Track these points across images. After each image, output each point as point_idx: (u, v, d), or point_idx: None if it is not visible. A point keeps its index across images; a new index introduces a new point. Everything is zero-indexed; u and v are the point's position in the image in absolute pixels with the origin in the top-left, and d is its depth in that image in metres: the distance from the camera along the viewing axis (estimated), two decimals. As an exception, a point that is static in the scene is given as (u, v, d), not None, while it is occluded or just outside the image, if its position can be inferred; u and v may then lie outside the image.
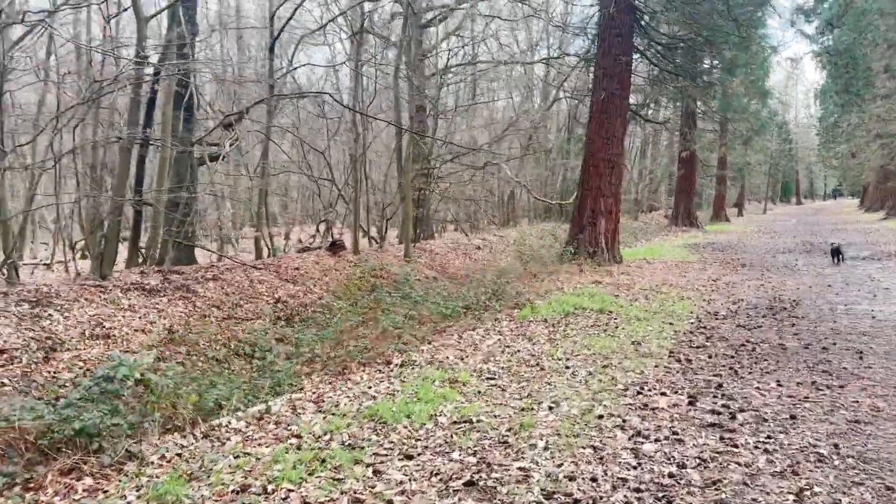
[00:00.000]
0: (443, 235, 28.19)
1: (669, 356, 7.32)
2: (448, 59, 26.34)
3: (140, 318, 9.05)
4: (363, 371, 6.94)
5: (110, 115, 12.53)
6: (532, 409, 5.41)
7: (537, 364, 6.95)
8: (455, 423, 5.04)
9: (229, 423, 5.04)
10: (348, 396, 5.92)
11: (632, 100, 20.50)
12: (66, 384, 6.96)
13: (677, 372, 6.64)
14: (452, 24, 26.10)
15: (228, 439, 4.76)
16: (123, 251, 13.24)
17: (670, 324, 9.10)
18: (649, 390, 5.99)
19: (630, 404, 5.56)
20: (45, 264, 13.60)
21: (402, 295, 11.63)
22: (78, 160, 11.26)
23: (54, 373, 7.05)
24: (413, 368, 6.86)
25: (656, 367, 6.85)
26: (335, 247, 15.24)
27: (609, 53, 16.58)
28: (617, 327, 8.86)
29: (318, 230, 19.36)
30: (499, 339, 8.30)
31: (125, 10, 12.06)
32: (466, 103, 28.22)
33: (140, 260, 13.19)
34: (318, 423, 5.04)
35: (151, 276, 11.33)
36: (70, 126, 9.96)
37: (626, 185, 34.16)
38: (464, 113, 29.27)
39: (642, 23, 17.71)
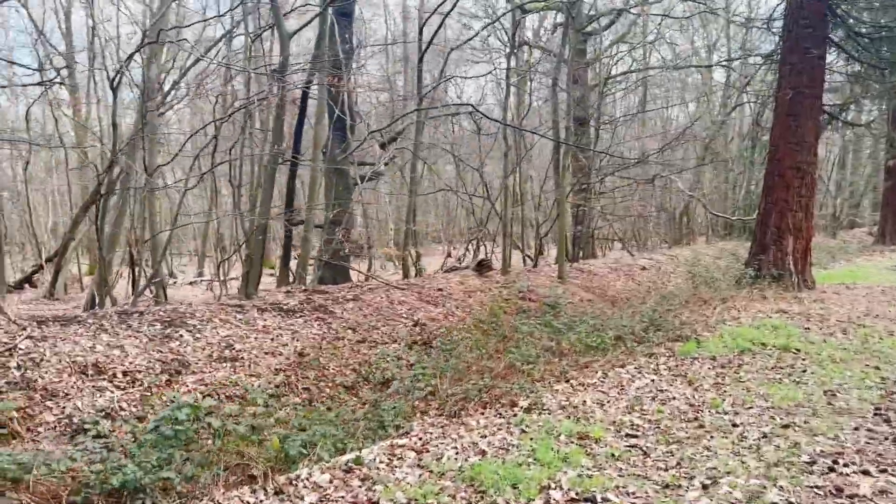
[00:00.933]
0: (606, 254, 26.52)
1: (875, 415, 5.63)
2: (612, 66, 24.85)
3: (272, 339, 8.87)
4: (483, 413, 6.03)
5: (262, 135, 12.85)
6: (679, 485, 4.18)
7: (695, 418, 5.61)
8: (573, 500, 3.96)
9: (310, 475, 4.37)
10: (456, 447, 5.04)
11: (826, 100, 17.75)
12: (183, 409, 6.80)
13: (887, 439, 5.00)
14: (619, 29, 24.64)
15: (302, 498, 4.08)
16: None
17: (876, 368, 7.23)
18: (845, 466, 4.48)
19: (817, 487, 4.14)
20: (190, 283, 14.24)
21: (542, 321, 10.56)
22: (223, 179, 11.55)
23: (173, 397, 6.90)
24: (540, 414, 5.83)
25: (856, 430, 5.24)
26: (482, 266, 14.51)
27: (797, 48, 14.35)
28: (805, 371, 7.16)
29: (467, 249, 18.79)
30: (651, 381, 7.00)
31: (269, 27, 12.27)
32: (633, 112, 26.42)
33: (290, 279, 13.34)
34: (407, 485, 4.21)
35: (296, 295, 11.30)
36: (215, 146, 10.18)
37: (820, 198, 30.15)
38: (630, 123, 27.49)
39: (838, 11, 15.20)
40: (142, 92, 8.88)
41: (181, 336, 8.02)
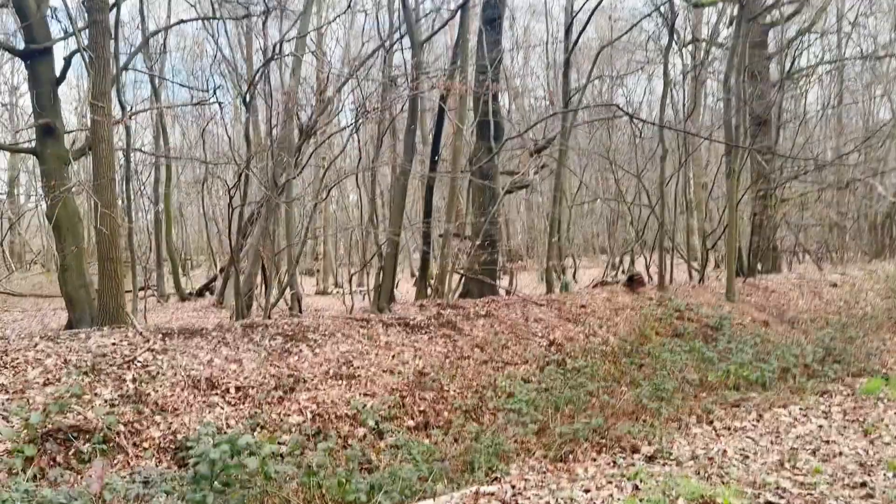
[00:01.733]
0: (792, 269, 23.56)
1: None
2: (797, 59, 22.13)
3: (393, 357, 8.57)
4: (595, 459, 5.18)
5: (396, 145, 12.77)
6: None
7: (863, 483, 4.36)
8: None
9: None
10: (550, 502, 4.29)
11: None
12: (292, 429, 6.65)
13: None
14: (806, 18, 21.91)
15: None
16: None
17: None
18: None
19: None
20: (320, 292, 14.41)
21: (690, 347, 9.28)
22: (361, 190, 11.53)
23: (283, 414, 6.79)
24: (665, 465, 4.87)
25: None
26: (633, 281, 13.31)
27: None
28: None
29: (620, 262, 17.48)
30: (817, 428, 5.69)
31: (401, 36, 12.13)
32: (822, 109, 23.36)
33: (428, 293, 13.10)
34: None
35: (428, 309, 10.99)
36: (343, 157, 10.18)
37: None
38: (823, 121, 24.36)
39: None
40: (268, 106, 9.10)
41: (300, 351, 7.96)
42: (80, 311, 13.50)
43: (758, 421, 5.96)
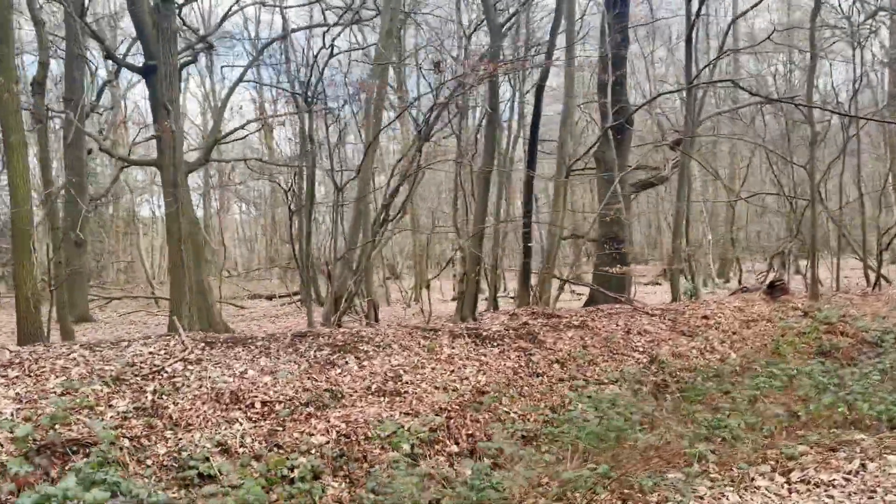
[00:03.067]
0: None
1: None
2: None
3: (452, 371, 7.73)
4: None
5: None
6: None
7: None
8: None
9: None
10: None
11: None
12: (312, 451, 6.05)
13: None
14: None
15: None
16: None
17: None
18: None
19: None
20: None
21: (799, 371, 7.41)
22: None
23: (307, 433, 6.21)
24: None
25: None
26: (775, 289, 11.27)
27: None
28: None
29: (770, 265, 15.10)
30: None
31: (480, 23, 11.18)
32: None
33: (530, 300, 12.05)
34: None
35: (519, 318, 10.01)
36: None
37: None
38: None
39: None
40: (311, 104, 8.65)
41: (346, 363, 7.38)
42: (198, 318, 14.04)
43: (856, 474, 4.37)
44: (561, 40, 11.55)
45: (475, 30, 11.66)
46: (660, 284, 21.02)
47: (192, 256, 13.87)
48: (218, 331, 13.11)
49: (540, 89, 11.25)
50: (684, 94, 16.29)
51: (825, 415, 5.52)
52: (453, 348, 8.22)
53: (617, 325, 9.77)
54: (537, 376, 8.01)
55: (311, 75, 9.37)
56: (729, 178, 25.23)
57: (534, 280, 11.84)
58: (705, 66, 13.74)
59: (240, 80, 13.67)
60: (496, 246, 12.16)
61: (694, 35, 11.81)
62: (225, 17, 13.77)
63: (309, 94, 8.55)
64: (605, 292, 11.43)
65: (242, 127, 13.13)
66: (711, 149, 21.83)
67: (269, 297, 23.82)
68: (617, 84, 15.32)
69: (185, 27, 13.83)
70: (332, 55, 9.78)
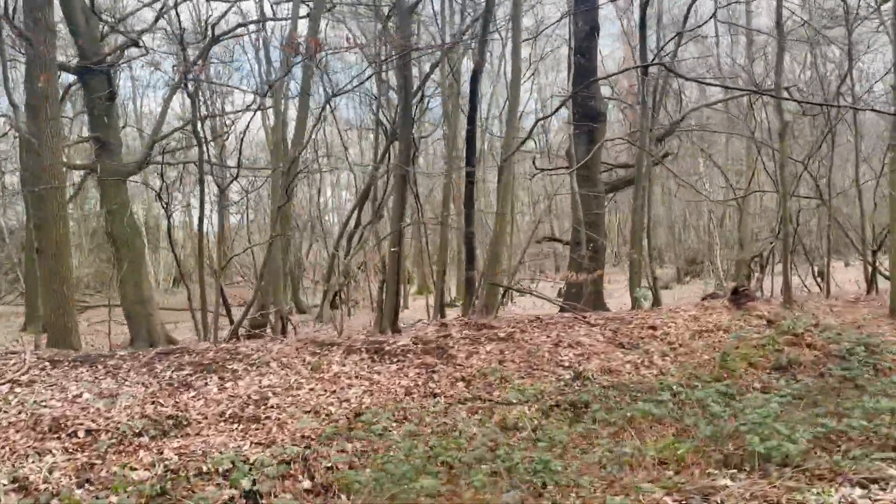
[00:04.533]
0: None
1: None
2: None
3: (334, 392, 6.90)
4: None
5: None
6: None
7: None
8: None
9: None
10: None
11: None
12: (129, 488, 5.27)
13: None
14: None
15: None
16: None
17: None
18: None
19: None
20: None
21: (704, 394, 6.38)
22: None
23: (129, 468, 5.43)
24: None
25: None
26: (738, 295, 10.19)
27: None
28: None
29: (750, 268, 13.93)
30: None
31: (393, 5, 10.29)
32: None
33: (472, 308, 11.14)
34: None
35: (449, 328, 9.14)
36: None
37: None
38: None
39: None
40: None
41: (205, 385, 6.60)
42: (136, 328, 13.41)
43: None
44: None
45: (390, 16, 10.85)
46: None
47: (132, 264, 13.24)
48: (156, 342, 12.47)
49: (475, 76, 10.33)
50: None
51: (707, 450, 4.55)
52: (343, 366, 7.39)
53: (548, 337, 8.84)
54: (434, 397, 7.13)
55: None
56: (736, 176, 23.95)
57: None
58: (660, 49, 12.64)
59: (178, 85, 13.03)
60: (443, 251, 11.29)
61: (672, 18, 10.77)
62: (157, 18, 13.15)
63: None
64: (549, 298, 10.45)
65: (181, 129, 12.48)
66: (707, 145, 20.61)
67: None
68: (586, 76, 14.37)
69: (120, 26, 13.26)
70: (215, 40, 9.04)
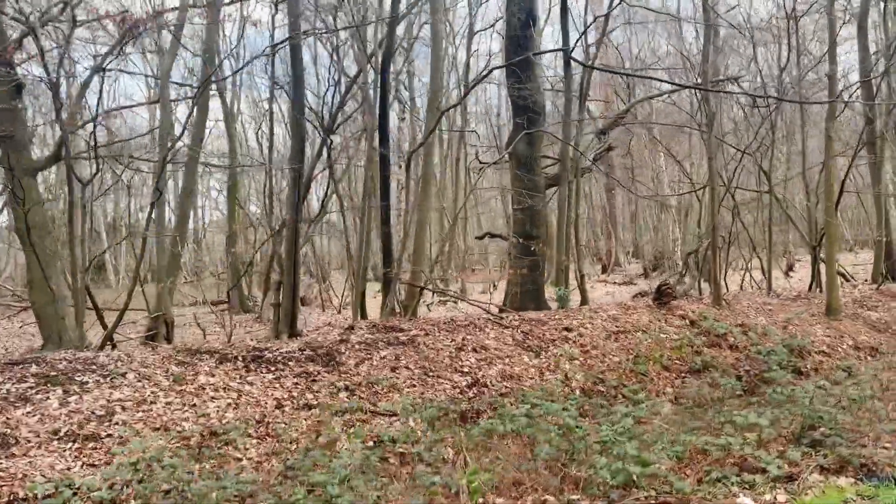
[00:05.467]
0: None
1: None
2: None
3: (194, 406, 6.31)
4: None
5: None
6: None
7: None
8: None
9: None
10: None
11: None
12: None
13: None
14: None
15: None
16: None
17: None
18: None
19: None
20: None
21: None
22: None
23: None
24: None
25: None
26: (662, 295, 9.73)
27: None
28: None
29: (686, 265, 13.49)
30: None
31: None
32: None
33: (396, 310, 10.58)
34: None
35: (355, 332, 8.60)
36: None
37: None
38: None
39: None
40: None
41: (46, 399, 5.99)
42: (47, 331, 12.68)
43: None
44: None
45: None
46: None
47: (41, 263, 12.51)
48: (68, 345, 11.77)
49: (385, 61, 9.69)
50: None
51: (551, 472, 4.04)
52: (212, 376, 6.80)
53: (453, 341, 8.31)
54: (309, 408, 6.57)
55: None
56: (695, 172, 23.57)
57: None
58: (579, 38, 12.12)
59: (97, 69, 12.32)
60: (366, 247, 10.73)
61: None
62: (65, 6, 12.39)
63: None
64: (463, 298, 9.93)
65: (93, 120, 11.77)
66: (667, 139, 20.15)
67: (197, 303, 22.59)
68: (524, 68, 13.83)
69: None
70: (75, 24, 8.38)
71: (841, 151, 14.36)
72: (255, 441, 6.00)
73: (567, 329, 8.87)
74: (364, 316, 10.92)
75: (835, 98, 10.42)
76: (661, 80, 9.69)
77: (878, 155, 14.91)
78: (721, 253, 11.14)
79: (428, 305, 10.95)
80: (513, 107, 14.44)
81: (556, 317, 9.41)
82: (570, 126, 10.60)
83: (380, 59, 9.51)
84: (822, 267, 14.41)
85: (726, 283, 12.08)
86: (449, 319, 9.51)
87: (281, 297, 8.47)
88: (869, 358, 9.52)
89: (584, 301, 11.07)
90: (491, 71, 11.38)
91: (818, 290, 12.98)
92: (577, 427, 4.86)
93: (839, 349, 9.46)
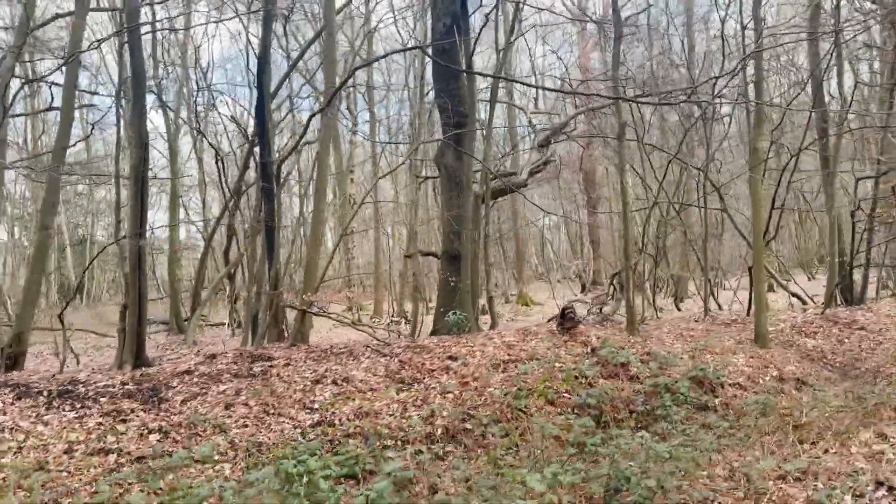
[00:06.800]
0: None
1: None
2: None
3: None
4: None
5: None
6: None
7: None
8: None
9: None
10: None
11: None
12: None
13: None
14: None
15: None
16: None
17: None
18: None
19: None
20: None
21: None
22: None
23: None
24: None
25: None
26: (565, 320, 8.86)
27: None
28: None
29: (612, 285, 12.62)
30: None
31: None
32: None
33: (286, 334, 9.70)
34: None
35: (218, 361, 7.73)
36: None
37: None
38: None
39: None
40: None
41: None
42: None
43: None
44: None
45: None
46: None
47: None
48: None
49: (260, 65, 8.81)
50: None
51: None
52: (3, 414, 5.92)
53: (314, 372, 7.44)
54: (105, 454, 5.67)
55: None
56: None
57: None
58: (474, 46, 11.33)
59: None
60: (260, 266, 9.85)
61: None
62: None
63: None
64: (345, 321, 9.03)
65: None
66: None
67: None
68: (447, 75, 13.07)
69: None
70: None
71: (761, 161, 13.59)
72: (22, 493, 5.11)
73: (452, 358, 8.00)
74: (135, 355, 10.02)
75: (767, 102, 9.64)
76: (557, 91, 8.88)
77: (832, 167, 14.14)
78: (651, 273, 10.27)
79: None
80: (440, 116, 13.68)
81: (446, 343, 8.54)
82: (470, 138, 9.77)
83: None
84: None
85: (656, 308, 11.21)
86: (328, 347, 8.65)
87: (125, 322, 7.58)
88: (794, 391, 8.67)
89: (493, 325, 10.20)
90: (354, 72, 10.50)
91: (750, 313, 12.17)
92: (328, 494, 3.96)
93: (760, 381, 8.58)
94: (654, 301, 11.67)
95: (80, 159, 22.41)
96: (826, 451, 4.81)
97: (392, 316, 18.61)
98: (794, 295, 15.89)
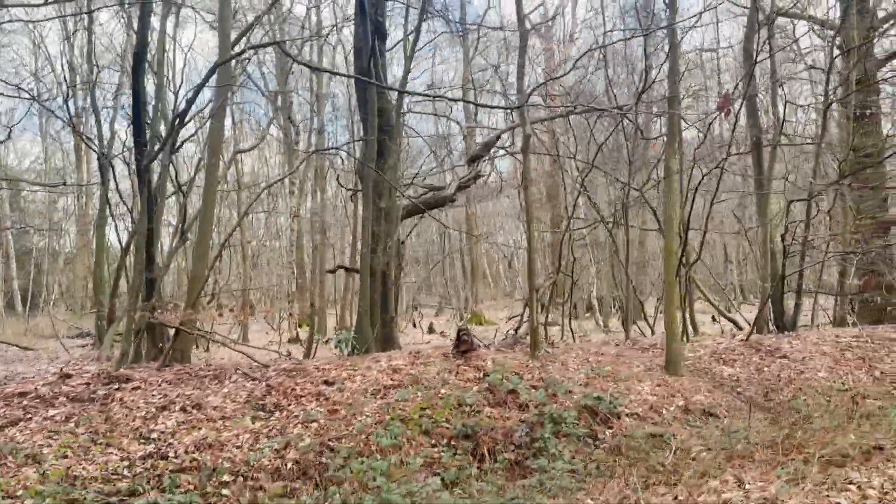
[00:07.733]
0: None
1: None
2: None
3: None
4: None
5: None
6: None
7: None
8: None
9: None
10: None
11: None
12: None
13: None
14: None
15: None
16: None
17: None
18: None
19: None
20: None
21: None
22: None
23: None
24: None
25: None
26: (460, 342, 8.32)
27: None
28: None
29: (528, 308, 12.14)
30: None
31: None
32: None
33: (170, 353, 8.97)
34: None
35: (71, 382, 7.02)
36: None
37: None
38: None
39: None
40: None
41: None
42: None
43: None
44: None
45: None
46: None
47: None
48: None
49: (137, 58, 8.10)
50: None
51: None
52: None
53: (165, 396, 6.77)
54: None
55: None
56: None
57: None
58: (370, 56, 10.83)
59: None
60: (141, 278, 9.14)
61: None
62: None
63: None
64: (230, 345, 8.39)
65: None
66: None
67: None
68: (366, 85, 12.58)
69: None
70: None
71: (672, 180, 13.28)
72: None
73: (327, 382, 7.39)
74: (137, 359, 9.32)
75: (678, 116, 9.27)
76: (474, 104, 8.46)
77: (766, 187, 13.89)
78: (565, 295, 9.78)
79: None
80: (362, 124, 13.18)
81: (327, 367, 7.93)
82: (373, 145, 9.28)
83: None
84: (689, 312, 13.31)
85: (573, 330, 10.74)
86: (198, 369, 7.98)
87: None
88: (699, 423, 8.20)
89: (391, 346, 9.62)
90: (213, 71, 9.89)
91: (684, 338, 11.76)
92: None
93: (663, 411, 8.10)
94: (570, 323, 11.20)
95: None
96: (675, 499, 4.29)
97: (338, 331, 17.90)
98: (731, 321, 15.58)
